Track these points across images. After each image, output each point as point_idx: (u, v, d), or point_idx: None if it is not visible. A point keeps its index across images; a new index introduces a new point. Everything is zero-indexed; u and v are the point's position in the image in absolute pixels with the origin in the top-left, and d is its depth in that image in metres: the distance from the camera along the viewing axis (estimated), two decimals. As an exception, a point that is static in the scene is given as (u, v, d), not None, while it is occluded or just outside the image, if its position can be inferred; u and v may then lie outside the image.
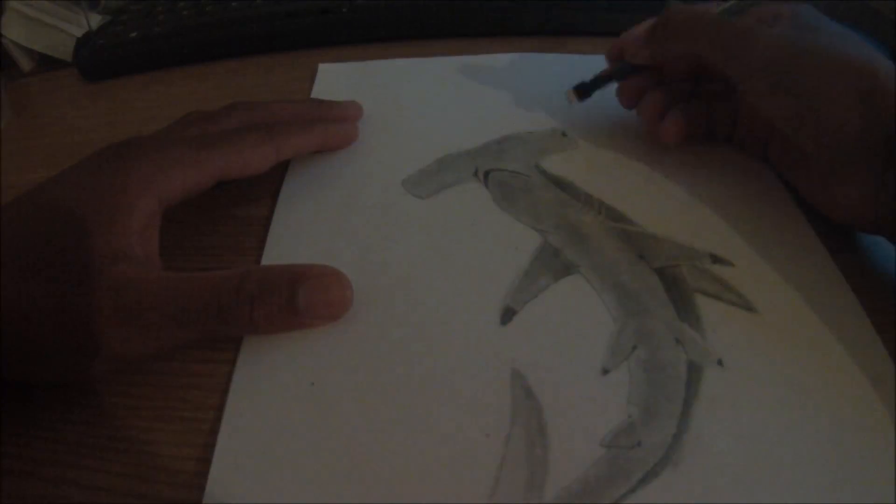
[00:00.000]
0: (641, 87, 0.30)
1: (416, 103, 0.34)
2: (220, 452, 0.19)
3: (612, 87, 0.31)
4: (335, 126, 0.31)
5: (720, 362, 0.21)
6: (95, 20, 0.43)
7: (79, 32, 0.41)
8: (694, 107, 0.29)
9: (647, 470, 0.18)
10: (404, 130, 0.32)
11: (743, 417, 0.19)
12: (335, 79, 0.37)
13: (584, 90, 0.31)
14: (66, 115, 0.36)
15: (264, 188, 0.29)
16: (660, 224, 0.26)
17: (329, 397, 0.20)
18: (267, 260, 0.25)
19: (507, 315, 0.22)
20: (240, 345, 0.22)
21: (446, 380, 0.21)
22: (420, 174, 0.29)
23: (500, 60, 0.37)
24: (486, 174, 0.29)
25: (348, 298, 0.22)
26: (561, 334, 0.22)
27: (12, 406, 0.21)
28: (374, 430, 0.19)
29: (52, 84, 0.40)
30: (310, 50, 0.40)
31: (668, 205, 0.27)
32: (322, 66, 0.38)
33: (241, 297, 0.20)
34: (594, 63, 0.31)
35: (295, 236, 0.26)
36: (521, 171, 0.29)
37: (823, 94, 0.23)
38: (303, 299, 0.21)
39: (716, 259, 0.24)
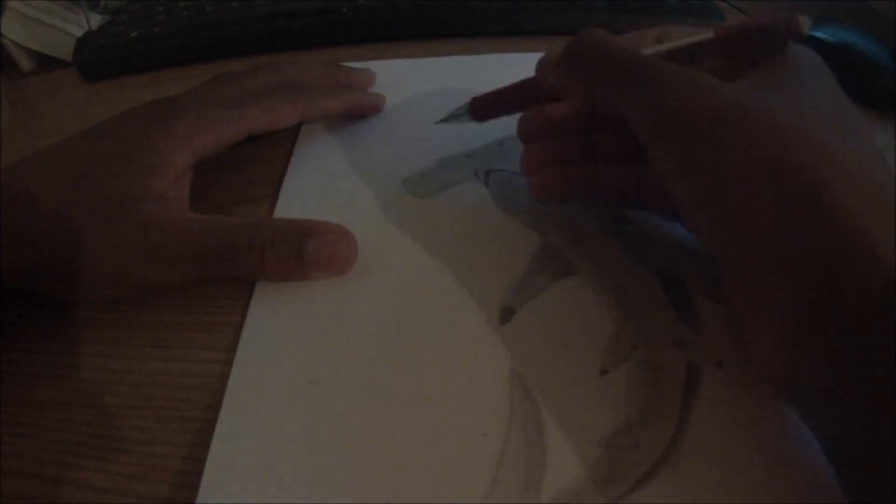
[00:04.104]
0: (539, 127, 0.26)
1: (416, 103, 0.34)
2: (215, 451, 0.19)
3: None
4: (365, 94, 0.33)
5: (719, 364, 0.21)
6: (95, 20, 0.43)
7: (79, 32, 0.41)
8: (580, 168, 0.25)
9: (645, 471, 0.18)
10: (404, 130, 0.32)
11: (742, 419, 0.19)
12: (335, 79, 0.37)
13: (480, 107, 0.27)
14: (66, 115, 0.36)
15: (264, 188, 0.29)
16: (660, 225, 0.26)
17: (327, 395, 0.20)
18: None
19: (507, 315, 0.23)
20: (238, 343, 0.22)
21: (445, 379, 0.21)
22: (420, 174, 0.29)
23: (499, 60, 0.37)
24: (487, 174, 0.29)
25: (353, 257, 0.24)
26: (560, 334, 0.22)
27: (12, 406, 0.21)
28: (372, 428, 0.19)
29: (52, 84, 0.40)
30: (310, 50, 0.40)
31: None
32: (322, 66, 0.38)
33: (254, 243, 0.22)
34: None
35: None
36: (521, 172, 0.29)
37: (730, 180, 0.16)
38: (310, 251, 0.23)
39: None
